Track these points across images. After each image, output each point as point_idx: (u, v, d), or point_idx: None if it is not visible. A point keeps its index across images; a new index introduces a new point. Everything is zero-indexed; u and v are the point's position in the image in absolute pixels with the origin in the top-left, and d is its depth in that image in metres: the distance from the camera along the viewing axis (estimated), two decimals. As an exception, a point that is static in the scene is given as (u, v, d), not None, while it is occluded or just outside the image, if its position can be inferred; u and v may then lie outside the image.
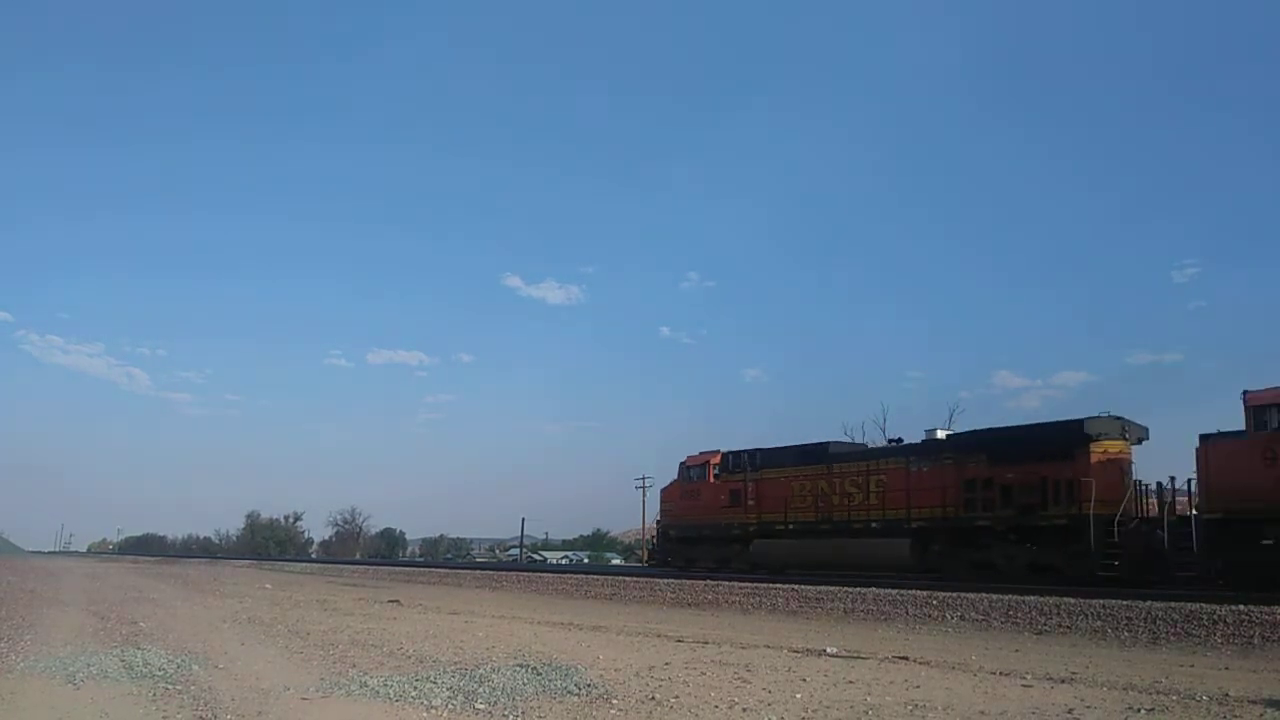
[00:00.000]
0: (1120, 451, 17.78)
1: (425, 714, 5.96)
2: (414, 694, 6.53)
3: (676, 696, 6.48)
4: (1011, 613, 13.13)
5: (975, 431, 20.71)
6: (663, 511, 28.49)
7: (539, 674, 7.34)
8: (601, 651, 9.34)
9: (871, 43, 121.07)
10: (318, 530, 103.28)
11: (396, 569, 33.94)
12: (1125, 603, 12.58)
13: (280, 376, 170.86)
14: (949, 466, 19.80)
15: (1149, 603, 12.39)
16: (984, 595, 14.65)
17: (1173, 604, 12.14)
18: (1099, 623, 11.97)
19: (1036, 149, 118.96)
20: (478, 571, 29.39)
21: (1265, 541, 14.36)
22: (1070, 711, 5.98)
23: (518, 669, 7.60)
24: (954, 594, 15.04)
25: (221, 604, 17.07)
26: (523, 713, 5.95)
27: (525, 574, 26.88)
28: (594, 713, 5.95)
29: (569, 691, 6.66)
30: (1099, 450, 17.52)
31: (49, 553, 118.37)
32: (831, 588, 17.07)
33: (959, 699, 6.43)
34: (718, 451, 26.07)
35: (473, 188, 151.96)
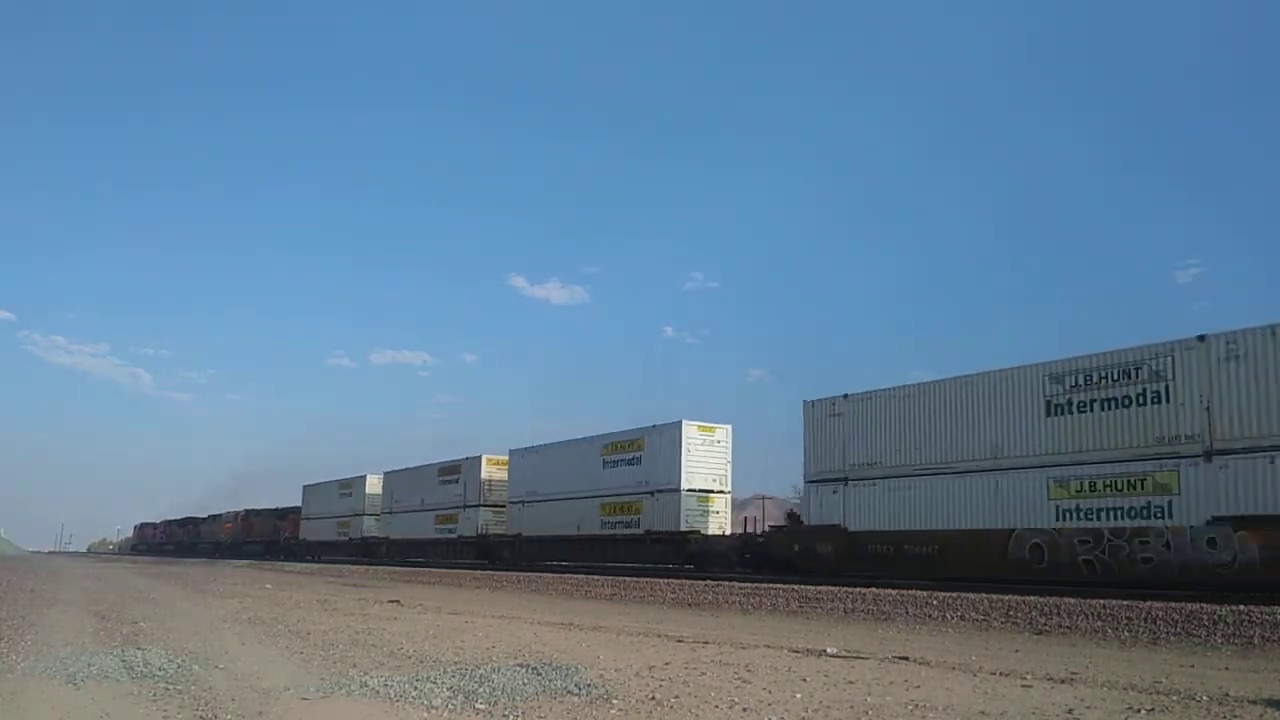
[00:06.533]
0: None
1: (425, 714, 5.97)
2: (414, 694, 6.54)
3: (677, 696, 6.49)
4: (1011, 613, 13.13)
5: None
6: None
7: (539, 674, 7.35)
8: (602, 651, 9.35)
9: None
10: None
11: (396, 569, 33.95)
12: (1125, 603, 12.58)
13: (283, 376, 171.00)
14: None
15: (1149, 603, 12.39)
16: (984, 595, 14.65)
17: (1173, 604, 12.15)
18: (1099, 623, 11.97)
19: (1039, 147, 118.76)
20: (478, 572, 29.44)
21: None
22: (1070, 711, 5.99)
23: (518, 669, 7.61)
24: (954, 594, 15.05)
25: (222, 604, 17.07)
26: (523, 712, 5.96)
27: (525, 574, 26.91)
28: (594, 712, 5.96)
29: (569, 691, 6.67)
30: None
31: (48, 552, 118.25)
32: (832, 588, 17.09)
33: (959, 699, 6.44)
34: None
35: (474, 185, 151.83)
